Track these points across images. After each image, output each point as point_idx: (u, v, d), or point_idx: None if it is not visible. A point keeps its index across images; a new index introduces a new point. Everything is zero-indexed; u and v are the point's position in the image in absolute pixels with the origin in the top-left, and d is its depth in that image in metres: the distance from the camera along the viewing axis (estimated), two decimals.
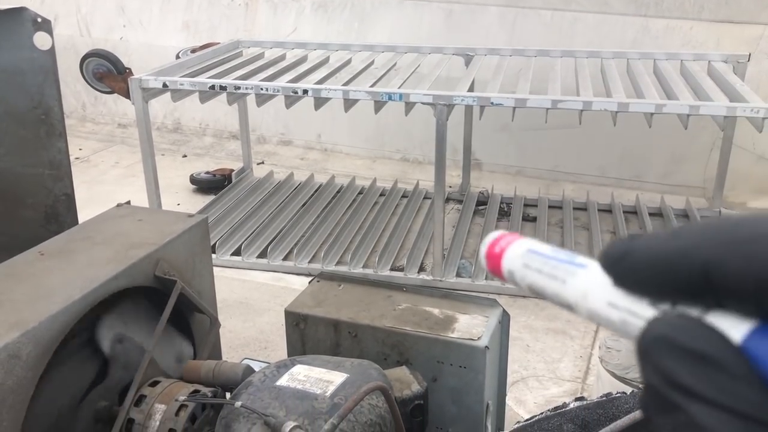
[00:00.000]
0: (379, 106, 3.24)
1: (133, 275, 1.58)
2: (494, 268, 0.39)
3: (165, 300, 1.65)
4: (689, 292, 0.27)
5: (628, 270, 0.30)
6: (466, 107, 3.81)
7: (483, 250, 0.41)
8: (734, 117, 3.08)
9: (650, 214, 4.01)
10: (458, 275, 3.34)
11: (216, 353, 1.89)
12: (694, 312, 0.28)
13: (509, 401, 2.27)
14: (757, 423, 0.23)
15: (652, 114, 2.94)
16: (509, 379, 2.00)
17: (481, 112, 3.63)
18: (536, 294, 0.37)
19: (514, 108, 3.07)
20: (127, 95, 3.29)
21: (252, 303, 3.12)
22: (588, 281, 0.34)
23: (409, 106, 3.15)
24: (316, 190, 4.36)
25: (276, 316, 2.96)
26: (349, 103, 3.24)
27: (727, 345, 0.25)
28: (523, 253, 0.38)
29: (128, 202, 1.95)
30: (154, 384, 1.54)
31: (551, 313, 3.02)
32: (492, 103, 2.98)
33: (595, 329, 2.87)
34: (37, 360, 1.33)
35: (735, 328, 0.26)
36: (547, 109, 2.99)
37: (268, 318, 2.98)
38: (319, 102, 3.29)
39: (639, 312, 0.30)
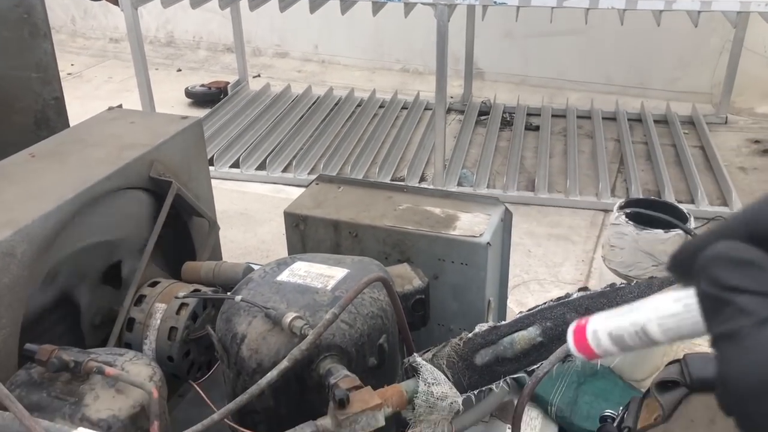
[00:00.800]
0: (377, 8, 3.12)
1: (127, 176, 1.54)
2: (586, 352, 0.45)
3: (161, 203, 1.62)
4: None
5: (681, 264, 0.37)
6: (468, 8, 3.68)
7: (570, 341, 0.46)
8: (748, 13, 2.96)
9: (655, 122, 3.94)
10: (459, 184, 3.31)
11: (216, 257, 1.87)
12: None
13: (510, 303, 2.27)
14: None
15: (661, 11, 2.82)
16: (510, 283, 2.00)
17: (484, 13, 3.50)
18: (622, 348, 0.42)
19: (518, 7, 2.95)
20: (115, 1, 3.17)
21: (252, 214, 3.10)
22: (654, 300, 0.41)
23: (409, 7, 3.04)
24: (314, 103, 4.27)
25: (277, 227, 2.95)
26: (346, 5, 3.12)
27: (762, 254, 0.32)
28: (606, 331, 0.44)
29: (120, 106, 1.89)
30: (154, 284, 1.53)
31: (554, 220, 3.00)
32: (495, 2, 2.86)
33: (597, 234, 2.86)
34: (32, 259, 1.30)
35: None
36: (552, 8, 2.87)
37: (269, 228, 2.97)
38: (315, 4, 3.16)
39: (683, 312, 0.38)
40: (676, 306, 0.38)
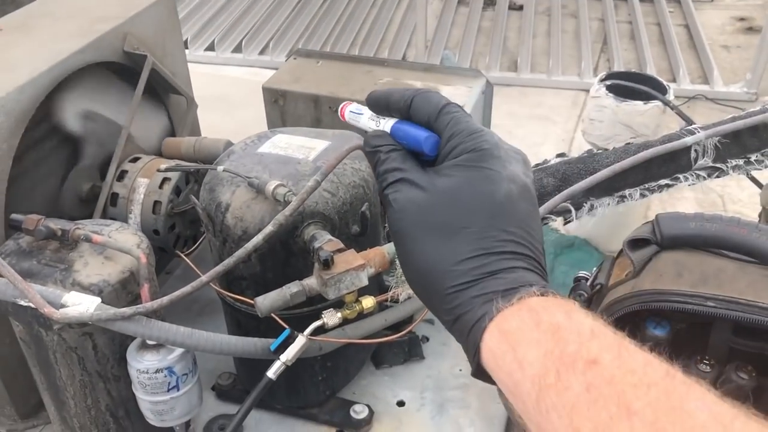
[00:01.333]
0: None
1: (101, 49, 1.50)
2: (342, 117, 0.76)
3: (137, 79, 1.59)
4: (388, 112, 0.68)
5: (370, 99, 0.70)
6: None
7: (339, 108, 0.77)
8: None
9: (641, 1, 3.86)
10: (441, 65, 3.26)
11: (195, 135, 1.86)
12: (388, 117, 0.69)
13: None
14: (392, 146, 0.65)
15: None
16: None
17: None
18: (356, 126, 0.75)
19: None
20: None
21: (229, 98, 3.05)
22: (363, 119, 0.72)
23: None
24: None
25: (254, 110, 2.90)
26: None
27: (385, 133, 0.67)
28: (347, 112, 0.75)
29: None
30: (135, 160, 1.53)
31: (535, 101, 3.00)
32: None
33: (579, 114, 2.86)
34: (10, 132, 1.29)
35: (390, 122, 0.67)
36: None
37: (246, 112, 2.93)
38: None
39: (372, 126, 0.70)
40: (371, 123, 0.70)
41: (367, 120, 0.70)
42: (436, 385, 1.56)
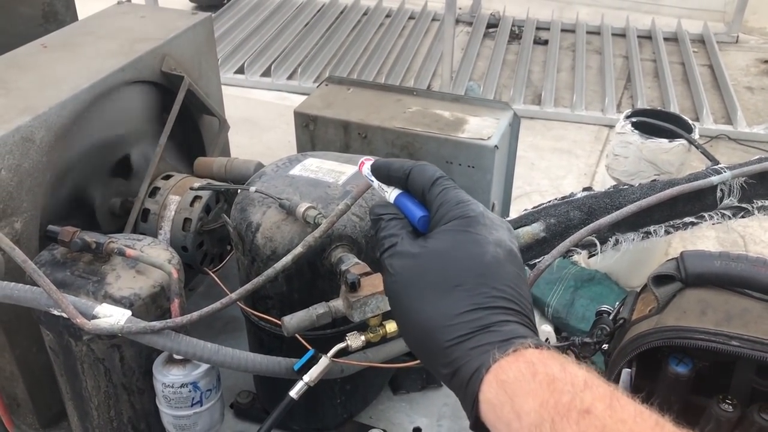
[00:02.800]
0: None
1: (140, 69, 1.55)
2: (360, 170, 0.79)
3: (173, 99, 1.63)
4: (389, 181, 0.74)
5: (374, 168, 0.75)
6: None
7: (359, 163, 0.80)
8: None
9: (665, 39, 3.89)
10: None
11: (225, 155, 1.90)
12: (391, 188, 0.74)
13: (512, 213, 2.33)
14: (395, 215, 0.71)
15: None
16: (513, 194, 2.03)
17: None
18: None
19: None
20: None
21: (257, 120, 3.10)
22: (375, 181, 0.77)
23: None
24: (318, 10, 4.19)
25: (282, 134, 2.96)
26: None
27: (390, 204, 0.73)
28: (366, 170, 0.78)
29: (129, 0, 1.87)
30: (167, 177, 1.57)
31: (558, 134, 3.02)
32: None
33: (601, 149, 2.87)
34: (50, 145, 1.33)
35: (394, 192, 0.73)
36: None
37: (274, 135, 2.98)
38: None
39: (381, 192, 0.76)
40: (379, 190, 0.76)
41: (377, 187, 0.76)
42: (453, 413, 1.56)
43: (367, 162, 0.79)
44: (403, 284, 0.64)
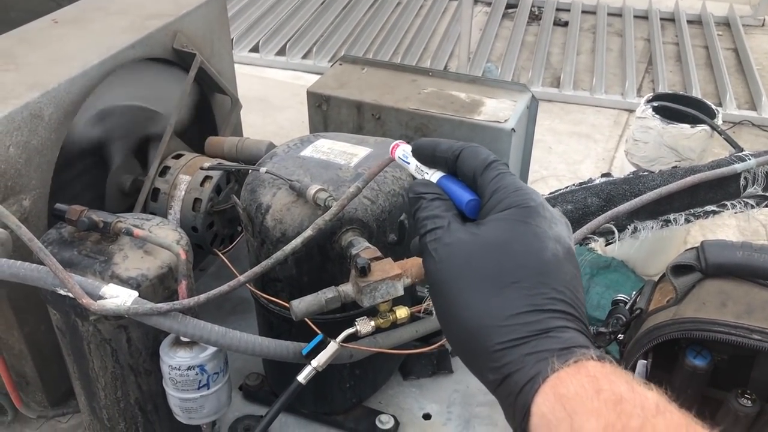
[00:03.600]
0: None
1: (151, 45, 1.52)
2: (392, 156, 0.76)
3: (184, 76, 1.60)
4: (433, 162, 0.68)
5: (417, 147, 0.69)
6: None
7: (390, 147, 0.76)
8: None
9: (689, 22, 3.80)
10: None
11: (237, 135, 1.88)
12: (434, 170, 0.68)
13: None
14: (437, 194, 0.64)
15: None
16: (529, 178, 1.99)
17: None
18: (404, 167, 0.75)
19: None
20: None
21: (271, 99, 3.07)
22: (409, 167, 0.71)
23: None
24: None
25: (296, 113, 2.93)
26: None
27: (431, 183, 0.66)
28: (400, 154, 0.74)
29: None
30: (178, 156, 1.55)
31: (576, 118, 2.96)
32: None
33: (620, 133, 2.82)
34: (59, 122, 1.31)
35: (436, 175, 0.67)
36: None
37: (288, 114, 2.95)
38: None
39: (418, 174, 0.70)
40: (417, 172, 0.70)
41: (414, 170, 0.70)
42: (464, 400, 1.54)
43: (402, 145, 0.74)
44: (449, 273, 0.57)
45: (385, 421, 1.44)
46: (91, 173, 1.47)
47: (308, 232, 1.11)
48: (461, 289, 0.57)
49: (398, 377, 1.59)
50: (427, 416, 1.51)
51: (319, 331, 1.17)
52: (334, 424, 1.46)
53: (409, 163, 0.71)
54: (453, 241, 0.59)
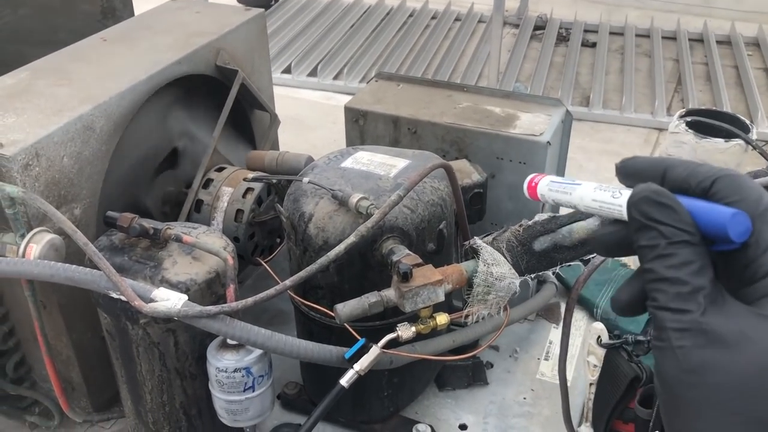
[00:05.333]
0: None
1: (195, 62, 1.58)
2: (532, 194, 0.59)
3: (226, 93, 1.65)
4: (650, 179, 0.46)
5: (627, 168, 0.49)
6: None
7: (525, 185, 0.59)
8: None
9: (718, 42, 3.80)
10: None
11: (275, 150, 1.92)
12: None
13: (562, 211, 2.30)
14: (686, 231, 0.42)
15: None
16: None
17: None
18: (557, 204, 0.57)
19: None
20: None
21: (303, 119, 3.13)
22: (583, 190, 0.53)
23: None
24: (364, 12, 4.21)
25: (328, 132, 2.98)
26: None
27: (675, 199, 0.43)
28: (547, 183, 0.58)
29: None
30: (220, 169, 1.59)
31: (606, 136, 2.97)
32: None
33: (651, 152, 2.82)
34: (110, 135, 1.36)
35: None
36: None
37: (320, 133, 3.00)
38: None
39: (608, 200, 0.49)
40: (593, 204, 0.52)
41: (593, 191, 0.51)
42: (500, 411, 1.55)
43: (542, 177, 0.58)
44: (702, 395, 0.39)
45: (422, 430, 1.45)
46: (134, 184, 1.52)
47: (351, 239, 1.13)
48: (710, 420, 0.39)
49: (434, 388, 1.60)
50: (463, 426, 1.51)
51: (359, 338, 1.19)
52: None
53: (578, 185, 0.53)
54: (712, 339, 0.40)
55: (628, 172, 0.48)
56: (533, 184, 0.59)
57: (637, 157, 0.48)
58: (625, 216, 0.46)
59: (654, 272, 0.42)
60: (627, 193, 0.46)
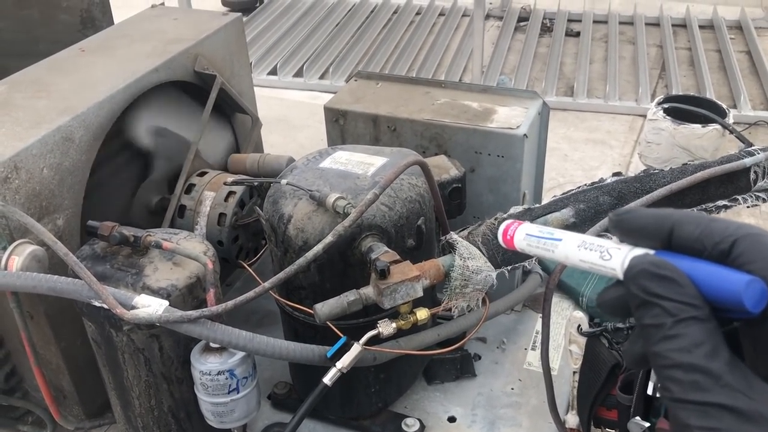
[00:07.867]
0: None
1: (173, 69, 1.59)
2: (509, 246, 0.55)
3: (206, 97, 1.67)
4: (654, 238, 0.43)
5: (625, 224, 0.45)
6: None
7: (499, 235, 0.55)
8: None
9: (701, 27, 3.82)
10: None
11: (258, 152, 1.93)
12: (647, 250, 0.43)
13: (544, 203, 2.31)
14: (693, 306, 0.39)
15: None
16: (546, 186, 2.02)
17: None
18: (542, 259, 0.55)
19: None
20: None
21: (290, 120, 3.15)
22: (566, 248, 0.48)
23: None
24: (349, 10, 4.22)
25: (315, 132, 3.00)
26: None
27: (678, 271, 0.40)
28: (524, 237, 0.53)
29: (162, 3, 1.92)
30: (202, 174, 1.60)
31: (591, 125, 2.99)
32: None
33: (636, 138, 2.84)
34: (89, 145, 1.38)
35: (680, 261, 0.42)
36: None
37: (307, 133, 3.02)
38: None
39: (598, 262, 0.45)
40: (582, 264, 0.47)
41: (578, 249, 0.47)
42: (488, 402, 1.57)
43: (518, 225, 0.53)
44: None
45: (411, 424, 1.47)
46: (120, 191, 1.54)
47: (329, 239, 1.15)
48: None
49: (422, 382, 1.61)
50: (452, 419, 1.53)
51: (342, 335, 1.21)
52: (360, 429, 1.49)
53: (558, 241, 0.49)
54: (725, 410, 0.37)
55: (628, 229, 0.43)
56: (508, 237, 0.54)
57: (637, 210, 0.44)
58: (620, 277, 0.42)
59: (663, 357, 0.38)
60: (617, 254, 0.42)
